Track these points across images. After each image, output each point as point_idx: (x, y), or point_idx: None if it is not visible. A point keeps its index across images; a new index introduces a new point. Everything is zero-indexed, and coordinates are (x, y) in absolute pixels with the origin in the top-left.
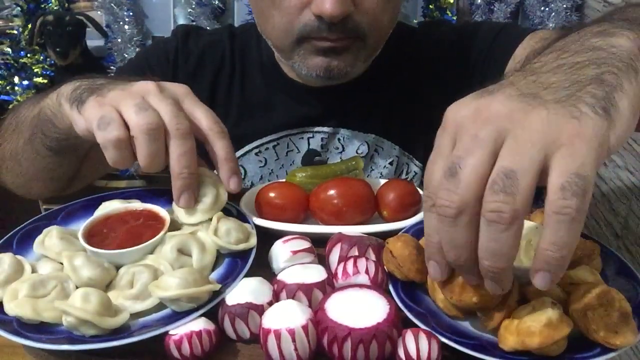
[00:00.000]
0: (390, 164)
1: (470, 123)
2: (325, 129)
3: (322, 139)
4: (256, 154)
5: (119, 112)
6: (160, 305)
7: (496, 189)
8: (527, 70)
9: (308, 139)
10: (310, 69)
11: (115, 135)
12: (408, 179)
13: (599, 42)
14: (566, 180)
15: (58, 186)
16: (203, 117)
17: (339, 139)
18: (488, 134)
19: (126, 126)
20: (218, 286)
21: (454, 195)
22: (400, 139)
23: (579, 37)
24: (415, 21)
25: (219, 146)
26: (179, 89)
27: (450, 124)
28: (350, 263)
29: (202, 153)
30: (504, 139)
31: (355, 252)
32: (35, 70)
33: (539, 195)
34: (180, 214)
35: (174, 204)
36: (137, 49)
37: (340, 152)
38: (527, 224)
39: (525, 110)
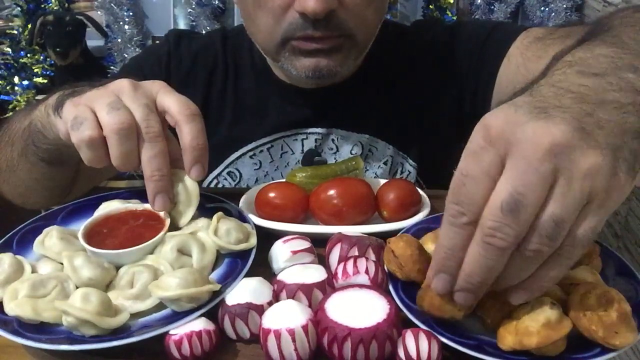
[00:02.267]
0: (385, 163)
1: (530, 151)
2: (319, 129)
3: (315, 140)
4: (250, 156)
5: (94, 112)
6: (160, 305)
7: (543, 234)
8: (575, 93)
9: (302, 140)
10: (299, 70)
11: (87, 135)
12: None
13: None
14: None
15: (55, 195)
16: (173, 103)
17: (332, 140)
18: (549, 171)
19: (100, 125)
20: (218, 286)
21: (512, 230)
22: (394, 139)
23: (615, 61)
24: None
25: (186, 131)
26: (154, 86)
27: (499, 139)
28: (350, 263)
29: None
30: (558, 178)
31: (355, 252)
32: (35, 70)
33: None
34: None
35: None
36: (137, 49)
37: (335, 153)
38: None
39: (582, 149)
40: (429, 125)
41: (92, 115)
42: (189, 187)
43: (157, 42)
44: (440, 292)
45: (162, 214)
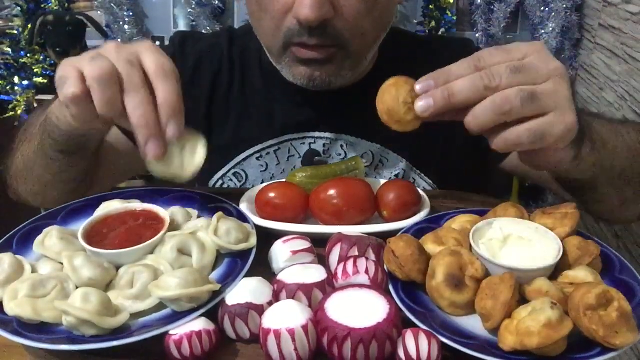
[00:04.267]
0: (396, 175)
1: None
2: (327, 134)
3: (323, 144)
4: (257, 158)
5: (78, 69)
6: (160, 305)
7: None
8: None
9: (309, 144)
10: (295, 77)
11: (71, 92)
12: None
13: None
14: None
15: (72, 191)
16: (150, 61)
17: (341, 146)
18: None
19: (84, 81)
20: (218, 286)
21: (506, 81)
22: (407, 153)
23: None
24: (415, 21)
25: (159, 89)
26: (139, 45)
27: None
28: (350, 263)
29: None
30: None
31: (355, 252)
32: (35, 70)
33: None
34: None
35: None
36: None
37: (343, 159)
38: (527, 224)
39: (565, 82)
40: (445, 142)
41: (75, 72)
42: (191, 141)
43: (157, 42)
44: (419, 89)
45: (162, 213)
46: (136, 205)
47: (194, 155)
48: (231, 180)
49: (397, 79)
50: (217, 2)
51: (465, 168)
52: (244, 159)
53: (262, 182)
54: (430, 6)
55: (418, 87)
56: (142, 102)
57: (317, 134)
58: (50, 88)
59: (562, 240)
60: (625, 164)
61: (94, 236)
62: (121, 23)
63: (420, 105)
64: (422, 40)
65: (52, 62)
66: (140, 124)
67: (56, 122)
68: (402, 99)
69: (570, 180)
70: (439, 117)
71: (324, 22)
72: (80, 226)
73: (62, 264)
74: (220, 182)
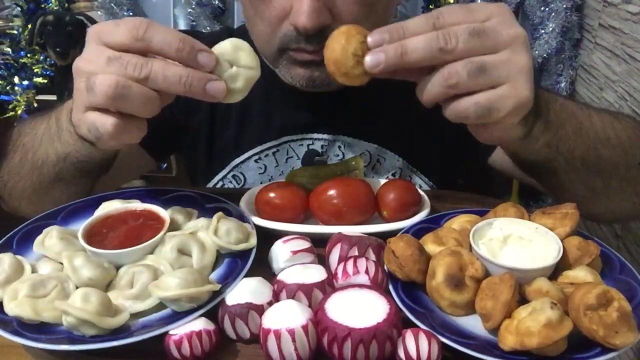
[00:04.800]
0: (393, 175)
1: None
2: (325, 135)
3: (322, 146)
4: (256, 160)
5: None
6: (160, 305)
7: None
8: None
9: (308, 145)
10: (294, 79)
11: (109, 127)
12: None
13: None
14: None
15: (79, 196)
16: (120, 34)
17: (339, 147)
18: (511, 36)
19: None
20: (218, 286)
21: (462, 45)
22: (404, 152)
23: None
24: None
25: (156, 40)
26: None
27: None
28: (350, 263)
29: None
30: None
31: (355, 252)
32: (35, 70)
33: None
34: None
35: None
36: None
37: (341, 160)
38: (527, 224)
39: (527, 49)
40: (441, 140)
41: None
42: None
43: None
44: (371, 42)
45: (162, 213)
46: (136, 205)
47: (240, 54)
48: (230, 182)
49: (349, 28)
50: (217, 2)
51: (462, 166)
52: (242, 162)
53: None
54: (430, 6)
55: (370, 39)
56: (162, 70)
57: (315, 135)
58: (50, 88)
59: (562, 240)
60: (589, 151)
61: (94, 236)
62: None
63: (369, 59)
64: None
65: (52, 62)
66: (186, 84)
67: (80, 154)
68: (351, 50)
69: (525, 160)
70: (389, 75)
71: (322, 29)
72: (80, 226)
73: (62, 264)
74: (219, 184)
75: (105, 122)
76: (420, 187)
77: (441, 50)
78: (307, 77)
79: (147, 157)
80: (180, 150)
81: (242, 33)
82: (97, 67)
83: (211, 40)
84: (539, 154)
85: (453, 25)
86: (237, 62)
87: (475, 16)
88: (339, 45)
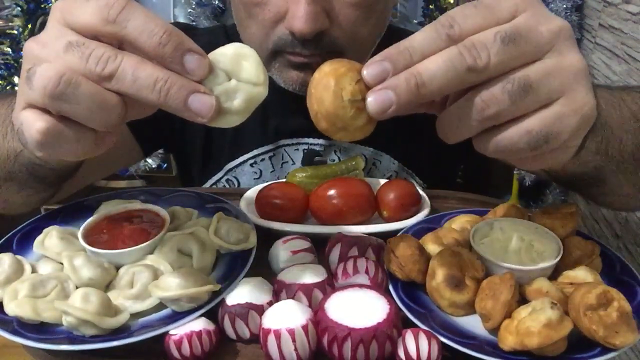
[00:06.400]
0: (389, 177)
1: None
2: (321, 140)
3: (318, 150)
4: (251, 164)
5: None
6: (160, 305)
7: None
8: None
9: (303, 150)
10: (286, 83)
11: (38, 128)
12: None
13: None
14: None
15: (37, 202)
16: (87, 17)
17: (335, 151)
18: (549, 37)
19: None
20: (218, 286)
21: (494, 57)
22: (400, 154)
23: None
24: (415, 21)
25: (131, 27)
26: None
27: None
28: (350, 263)
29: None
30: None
31: (355, 252)
32: None
33: (539, 196)
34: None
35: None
36: None
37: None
38: (528, 224)
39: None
40: (436, 143)
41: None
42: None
43: None
44: (369, 78)
45: (162, 213)
46: (136, 205)
47: (243, 63)
48: (224, 186)
49: (334, 65)
50: (217, 2)
51: (458, 168)
52: (237, 166)
53: None
54: (430, 6)
55: (367, 73)
56: (134, 65)
57: (311, 140)
58: None
59: (562, 240)
60: (635, 140)
61: (94, 236)
62: None
63: (374, 103)
64: None
65: None
66: (162, 91)
67: (32, 156)
68: (346, 97)
69: (568, 177)
70: (402, 113)
71: (320, 33)
72: (80, 226)
73: (62, 264)
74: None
75: (32, 126)
76: None
77: (469, 70)
78: (301, 81)
79: (135, 146)
80: (171, 149)
81: (234, 32)
82: (51, 53)
83: (207, 39)
84: (587, 166)
85: (473, 31)
86: (237, 74)
87: (497, 15)
88: (328, 93)
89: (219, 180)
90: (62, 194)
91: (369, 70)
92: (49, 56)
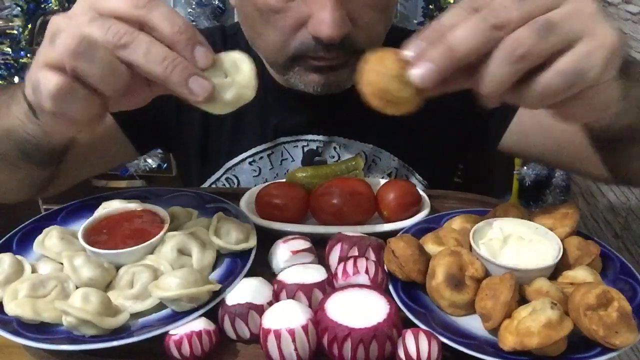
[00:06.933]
0: (389, 175)
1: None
2: (320, 137)
3: (317, 147)
4: (250, 162)
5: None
6: (160, 305)
7: (535, 28)
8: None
9: (302, 147)
10: (307, 85)
11: (52, 86)
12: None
13: None
14: None
15: (32, 191)
16: (117, 4)
17: (334, 148)
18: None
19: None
20: (218, 286)
21: (516, 12)
22: (400, 151)
23: None
24: (415, 21)
25: (155, 21)
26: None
27: None
28: (350, 263)
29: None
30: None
31: (355, 252)
32: None
33: (539, 196)
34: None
35: None
36: None
37: (336, 161)
38: (527, 224)
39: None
40: (436, 140)
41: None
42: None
43: None
44: (410, 55)
45: (162, 213)
46: (136, 205)
47: (241, 68)
48: (224, 185)
49: (379, 52)
50: (217, 2)
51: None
52: (236, 164)
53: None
54: (430, 6)
55: (408, 53)
56: (146, 45)
57: (310, 137)
58: None
59: (562, 240)
60: None
61: (94, 236)
62: None
63: (417, 73)
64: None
65: None
66: (167, 69)
67: (24, 131)
68: (393, 73)
69: (608, 134)
70: (444, 87)
71: (343, 37)
72: (80, 226)
73: (62, 264)
74: (212, 187)
75: (50, 80)
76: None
77: (494, 28)
78: (323, 83)
79: (127, 143)
80: (168, 148)
81: (233, 33)
82: (74, 24)
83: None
84: (629, 114)
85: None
86: (234, 74)
87: None
88: (375, 73)
89: (218, 179)
90: (57, 187)
91: (408, 50)
92: (70, 26)
